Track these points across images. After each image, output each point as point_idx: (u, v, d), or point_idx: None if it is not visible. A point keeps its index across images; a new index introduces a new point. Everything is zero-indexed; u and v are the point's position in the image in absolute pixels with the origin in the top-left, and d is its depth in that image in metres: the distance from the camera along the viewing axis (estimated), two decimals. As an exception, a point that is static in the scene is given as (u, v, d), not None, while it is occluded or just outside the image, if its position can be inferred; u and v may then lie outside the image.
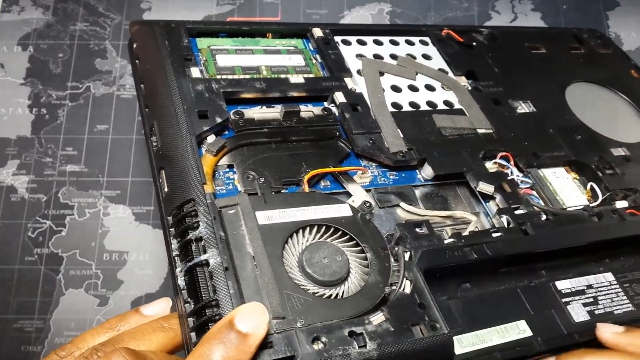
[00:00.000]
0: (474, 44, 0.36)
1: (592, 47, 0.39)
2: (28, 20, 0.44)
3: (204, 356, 0.18)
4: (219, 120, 0.25)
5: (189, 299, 0.20)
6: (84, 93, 0.42)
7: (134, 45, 0.29)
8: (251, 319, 0.18)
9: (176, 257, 0.21)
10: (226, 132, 0.27)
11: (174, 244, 0.21)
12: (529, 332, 0.23)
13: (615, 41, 0.45)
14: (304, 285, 0.21)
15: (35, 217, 0.39)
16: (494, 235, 0.24)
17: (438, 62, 0.34)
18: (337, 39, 0.33)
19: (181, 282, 0.20)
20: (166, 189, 0.23)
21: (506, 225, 0.26)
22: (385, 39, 0.34)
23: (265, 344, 0.19)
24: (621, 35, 0.45)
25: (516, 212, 0.26)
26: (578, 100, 0.35)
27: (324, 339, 0.19)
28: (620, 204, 0.28)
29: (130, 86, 0.41)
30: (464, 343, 0.22)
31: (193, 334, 0.19)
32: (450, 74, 0.33)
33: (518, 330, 0.23)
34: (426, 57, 0.34)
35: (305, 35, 0.33)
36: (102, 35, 0.43)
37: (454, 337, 0.21)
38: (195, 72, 0.28)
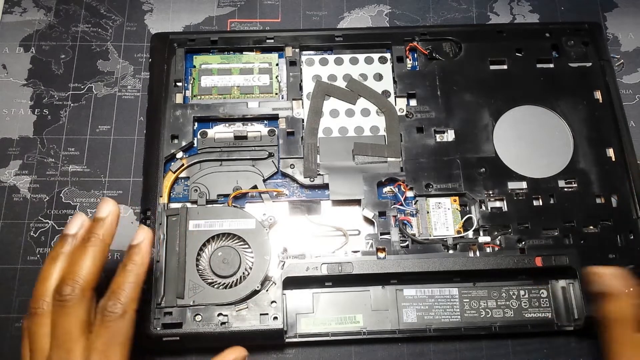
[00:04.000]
0: (437, 56, 0.57)
1: (568, 58, 0.57)
2: (30, 21, 0.62)
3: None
4: (184, 143, 0.53)
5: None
6: (86, 94, 0.59)
7: (149, 60, 0.57)
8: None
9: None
10: (193, 148, 0.54)
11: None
12: (361, 324, 0.49)
13: (613, 43, 0.64)
14: (206, 277, 0.49)
15: (38, 217, 0.55)
16: (351, 256, 0.50)
17: (387, 82, 0.57)
18: (304, 57, 0.57)
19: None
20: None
21: (366, 249, 0.50)
22: (346, 57, 0.57)
23: (166, 312, 0.46)
24: (619, 37, 0.64)
25: (382, 237, 0.50)
26: (510, 127, 0.55)
27: (201, 315, 0.47)
28: (483, 239, 0.50)
29: (132, 87, 0.60)
30: (309, 324, 0.49)
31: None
32: (392, 97, 0.56)
33: (354, 321, 0.49)
34: (378, 77, 0.57)
35: (282, 49, 0.58)
36: (104, 37, 0.62)
37: (303, 318, 0.49)
38: (178, 97, 0.55)
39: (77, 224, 0.43)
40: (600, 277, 0.44)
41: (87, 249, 0.41)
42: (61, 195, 0.56)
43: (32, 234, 0.54)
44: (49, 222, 0.54)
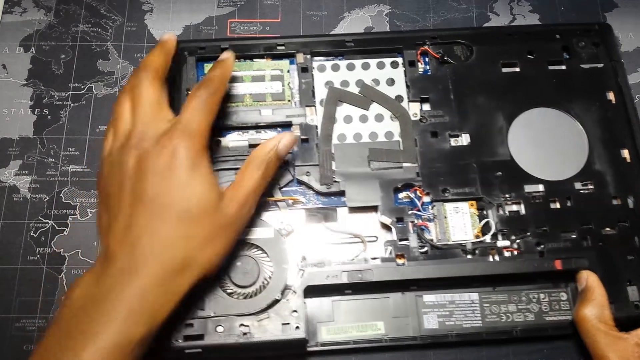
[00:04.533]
0: (448, 59, 0.57)
1: (579, 59, 0.58)
2: (30, 21, 0.63)
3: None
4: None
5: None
6: (86, 94, 0.60)
7: None
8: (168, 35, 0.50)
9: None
10: None
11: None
12: (382, 331, 0.49)
13: (613, 42, 0.65)
14: (226, 287, 0.48)
15: (38, 217, 0.56)
16: (371, 262, 0.50)
17: (399, 87, 0.57)
18: (315, 64, 0.57)
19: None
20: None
21: (385, 255, 0.50)
22: (358, 63, 0.57)
23: (187, 324, 0.46)
24: (619, 37, 0.64)
25: (401, 243, 0.50)
26: (524, 129, 0.56)
27: (223, 326, 0.47)
28: (502, 243, 0.51)
29: None
30: (330, 332, 0.49)
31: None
32: (405, 102, 0.56)
33: (375, 328, 0.49)
34: (390, 81, 0.57)
35: (293, 55, 0.57)
36: (104, 37, 0.62)
37: (324, 327, 0.49)
38: None
39: (168, 35, 0.50)
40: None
41: (154, 49, 0.49)
42: (61, 195, 0.56)
43: (32, 234, 0.55)
44: (49, 222, 0.55)
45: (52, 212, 0.56)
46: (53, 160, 0.58)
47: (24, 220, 0.55)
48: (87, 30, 0.63)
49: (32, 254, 0.54)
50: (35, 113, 0.59)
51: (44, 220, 0.55)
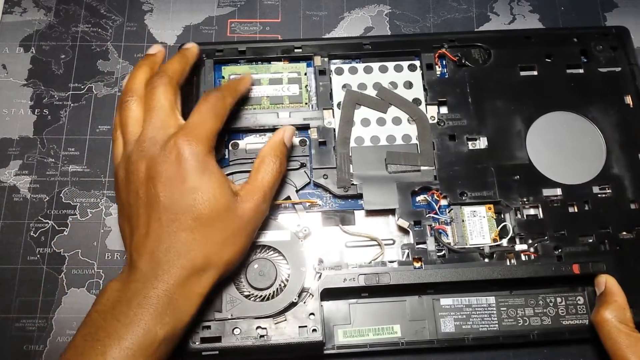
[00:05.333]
0: (466, 62, 0.59)
1: (597, 63, 0.60)
2: (30, 21, 0.65)
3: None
4: (216, 155, 0.51)
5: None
6: (86, 94, 0.62)
7: None
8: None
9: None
10: (225, 159, 0.56)
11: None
12: (398, 334, 0.51)
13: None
14: (243, 289, 0.50)
15: (38, 217, 0.58)
16: (388, 266, 0.52)
17: (417, 90, 0.59)
18: (333, 66, 0.59)
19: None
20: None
21: (402, 258, 0.52)
22: (375, 65, 0.59)
23: (205, 326, 0.48)
24: None
25: (418, 246, 0.53)
26: (542, 132, 0.57)
27: (240, 329, 0.49)
28: (520, 247, 0.53)
29: None
30: (347, 334, 0.51)
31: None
32: (423, 105, 0.58)
33: (391, 331, 0.51)
34: (408, 84, 0.59)
35: (310, 58, 0.60)
36: (104, 37, 0.64)
37: (340, 330, 0.52)
38: None
39: (156, 48, 0.54)
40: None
41: (174, 57, 0.52)
42: (61, 195, 0.58)
43: (32, 234, 0.57)
44: (49, 222, 0.57)
45: (52, 212, 0.58)
46: (53, 160, 0.60)
47: (24, 220, 0.57)
48: (87, 30, 0.65)
49: (32, 254, 0.56)
50: (35, 113, 0.61)
51: (44, 220, 0.57)
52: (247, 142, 0.56)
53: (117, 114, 0.50)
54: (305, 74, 0.59)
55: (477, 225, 0.54)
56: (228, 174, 0.54)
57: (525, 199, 0.55)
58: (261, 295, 0.50)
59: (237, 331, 0.49)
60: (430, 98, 0.58)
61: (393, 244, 0.54)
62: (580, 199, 0.55)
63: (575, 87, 0.59)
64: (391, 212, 0.55)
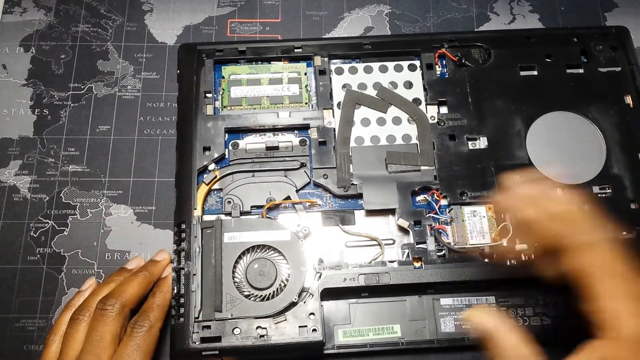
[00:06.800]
0: (466, 62, 0.59)
1: (597, 63, 0.60)
2: (30, 21, 0.65)
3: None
4: (216, 154, 0.55)
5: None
6: (86, 94, 0.62)
7: (178, 71, 0.59)
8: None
9: (173, 261, 0.52)
10: (225, 159, 0.56)
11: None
12: (398, 334, 0.51)
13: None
14: (243, 289, 0.50)
15: (38, 217, 0.58)
16: (388, 265, 0.52)
17: (417, 90, 0.59)
18: (333, 66, 0.59)
19: (173, 279, 0.51)
20: (174, 208, 0.53)
21: (402, 258, 0.52)
22: (375, 65, 0.60)
23: (205, 326, 0.48)
24: None
25: (418, 246, 0.52)
26: (542, 132, 0.57)
27: (240, 328, 0.49)
28: (520, 247, 0.52)
29: (132, 87, 0.63)
30: (347, 334, 0.51)
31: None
32: (423, 105, 0.58)
33: (391, 331, 0.51)
34: (408, 84, 0.59)
35: (310, 58, 0.60)
36: (104, 37, 0.65)
37: (340, 329, 0.51)
38: (209, 109, 0.57)
39: (135, 263, 0.54)
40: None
41: (137, 277, 0.51)
42: (61, 195, 0.58)
43: (32, 234, 0.57)
44: (49, 222, 0.57)
45: (52, 212, 0.58)
46: (53, 160, 0.60)
47: (24, 220, 0.57)
48: (87, 30, 0.65)
49: (32, 254, 0.56)
50: (35, 113, 0.61)
51: (44, 220, 0.57)
52: (247, 142, 0.56)
53: (61, 319, 0.50)
54: (305, 74, 0.59)
55: (477, 225, 0.53)
56: (228, 174, 0.55)
57: (523, 199, 0.54)
58: (261, 295, 0.50)
59: (237, 331, 0.49)
60: (430, 98, 0.58)
61: (393, 243, 0.54)
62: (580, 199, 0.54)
63: (575, 87, 0.59)
64: (391, 212, 0.55)
